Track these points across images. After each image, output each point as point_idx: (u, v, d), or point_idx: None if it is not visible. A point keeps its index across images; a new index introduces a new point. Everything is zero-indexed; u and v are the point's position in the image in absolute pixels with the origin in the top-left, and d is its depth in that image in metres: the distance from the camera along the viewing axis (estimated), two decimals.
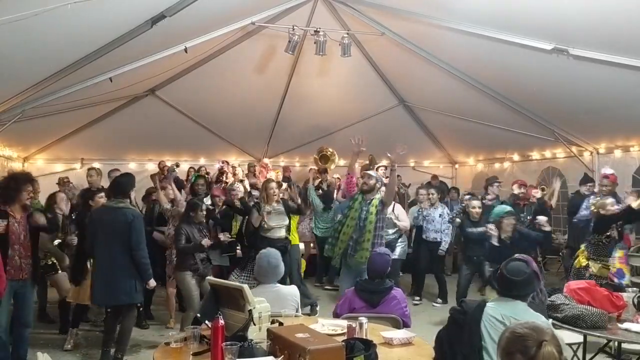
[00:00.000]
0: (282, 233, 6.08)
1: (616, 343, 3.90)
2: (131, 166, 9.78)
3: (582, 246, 5.54)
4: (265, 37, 7.18)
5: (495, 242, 5.54)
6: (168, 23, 5.19)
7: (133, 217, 4.61)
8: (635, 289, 4.26)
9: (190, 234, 5.30)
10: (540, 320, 2.57)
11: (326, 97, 9.00)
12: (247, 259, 5.98)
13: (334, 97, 9.05)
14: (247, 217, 6.24)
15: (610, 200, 5.38)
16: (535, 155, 9.55)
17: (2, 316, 4.29)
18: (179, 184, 8.61)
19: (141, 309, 5.99)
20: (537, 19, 5.20)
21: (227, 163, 9.01)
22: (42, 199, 6.17)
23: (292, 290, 3.79)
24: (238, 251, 6.49)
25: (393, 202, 6.33)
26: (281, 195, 6.34)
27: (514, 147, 9.63)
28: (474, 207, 6.50)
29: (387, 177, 6.22)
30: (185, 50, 6.06)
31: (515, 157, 9.98)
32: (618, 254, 5.18)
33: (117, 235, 4.56)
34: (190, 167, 9.48)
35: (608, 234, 5.19)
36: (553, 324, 3.31)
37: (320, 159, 9.85)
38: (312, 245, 8.75)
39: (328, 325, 3.27)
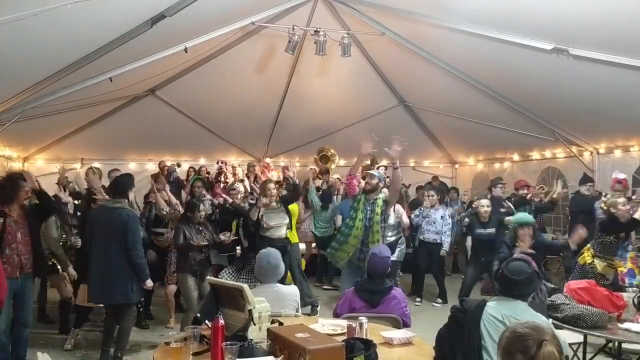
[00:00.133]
0: (281, 233, 6.06)
1: (616, 343, 3.90)
2: (131, 166, 9.78)
3: (588, 244, 5.51)
4: (265, 37, 7.18)
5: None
6: (168, 23, 5.19)
7: (128, 216, 4.61)
8: (635, 288, 4.27)
9: (188, 234, 5.30)
10: (541, 320, 2.57)
11: (326, 97, 9.00)
12: (244, 259, 5.96)
13: (334, 97, 9.05)
14: (242, 218, 6.22)
15: (622, 199, 5.35)
16: (535, 155, 9.54)
17: (2, 318, 4.27)
18: (179, 184, 8.65)
19: (141, 309, 6.00)
20: (537, 19, 5.20)
21: (225, 163, 9.02)
22: None
23: (292, 290, 3.79)
24: (238, 250, 6.48)
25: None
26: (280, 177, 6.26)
27: (514, 147, 9.62)
28: (482, 206, 6.51)
29: (388, 177, 6.23)
30: (185, 50, 6.06)
31: (515, 157, 9.98)
32: (630, 254, 5.17)
33: (113, 235, 4.57)
34: (190, 167, 9.49)
35: (618, 234, 5.15)
36: (553, 324, 3.31)
37: (320, 159, 9.85)
38: (312, 245, 8.75)
39: (328, 325, 3.26)
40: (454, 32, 6.03)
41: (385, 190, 5.62)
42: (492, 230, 6.40)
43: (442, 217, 7.48)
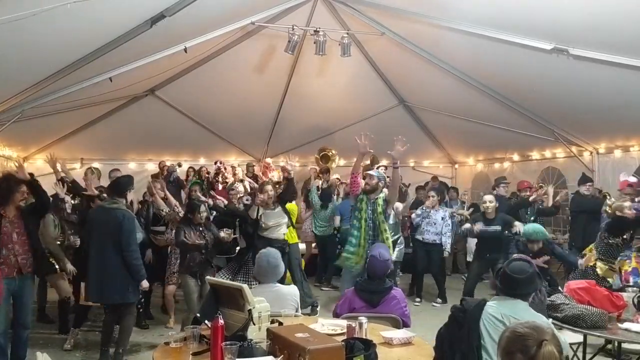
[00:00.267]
0: (280, 233, 6.05)
1: (616, 343, 3.90)
2: (131, 166, 9.78)
3: (591, 245, 5.48)
4: (265, 37, 7.17)
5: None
6: (167, 23, 5.18)
7: (124, 217, 4.62)
8: (635, 288, 4.26)
9: (188, 234, 5.28)
10: (541, 320, 2.57)
11: (326, 97, 8.99)
12: (239, 259, 5.94)
13: (333, 97, 9.04)
14: (238, 219, 6.22)
15: (628, 203, 5.33)
16: (535, 155, 9.53)
17: (0, 319, 4.26)
18: (179, 184, 8.65)
19: (141, 309, 6.00)
20: (537, 19, 5.19)
21: (222, 163, 9.04)
22: None
23: (292, 290, 3.79)
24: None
25: None
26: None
27: (514, 147, 9.62)
28: (484, 202, 6.53)
29: (388, 177, 6.23)
30: (185, 50, 6.05)
31: (515, 157, 9.97)
32: (633, 254, 5.14)
33: (110, 235, 4.59)
34: (190, 167, 9.48)
35: (624, 236, 5.12)
36: (553, 324, 3.31)
37: (321, 158, 9.85)
38: (313, 245, 8.75)
39: (328, 325, 3.26)
40: (454, 32, 6.03)
41: (385, 189, 5.62)
42: (497, 227, 6.41)
43: (442, 217, 7.49)
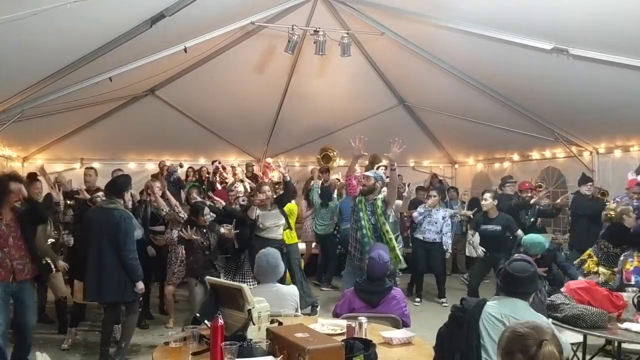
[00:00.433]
0: (277, 234, 6.05)
1: (616, 343, 3.89)
2: (131, 166, 9.78)
3: (590, 250, 5.44)
4: (264, 37, 7.17)
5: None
6: (167, 23, 5.18)
7: (121, 217, 4.63)
8: (635, 288, 4.26)
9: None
10: (541, 319, 2.57)
11: (326, 97, 8.99)
12: (235, 260, 5.93)
13: (333, 97, 9.04)
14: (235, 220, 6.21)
15: (631, 207, 5.32)
16: (535, 155, 9.53)
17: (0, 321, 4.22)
18: (180, 185, 8.65)
19: (141, 309, 5.99)
20: (537, 19, 5.19)
21: (220, 163, 9.03)
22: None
23: (292, 290, 3.79)
24: None
25: None
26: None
27: (514, 147, 9.62)
28: (485, 200, 6.54)
29: (387, 177, 6.22)
30: (185, 50, 6.04)
31: (515, 157, 9.97)
32: (636, 253, 5.13)
33: (108, 235, 4.60)
34: (190, 168, 9.48)
35: (624, 246, 5.01)
36: (553, 324, 3.31)
37: (322, 158, 9.85)
38: (313, 245, 8.74)
39: (328, 325, 3.26)
40: (454, 32, 6.02)
41: (384, 190, 5.62)
42: (497, 226, 6.40)
43: (443, 217, 7.49)
